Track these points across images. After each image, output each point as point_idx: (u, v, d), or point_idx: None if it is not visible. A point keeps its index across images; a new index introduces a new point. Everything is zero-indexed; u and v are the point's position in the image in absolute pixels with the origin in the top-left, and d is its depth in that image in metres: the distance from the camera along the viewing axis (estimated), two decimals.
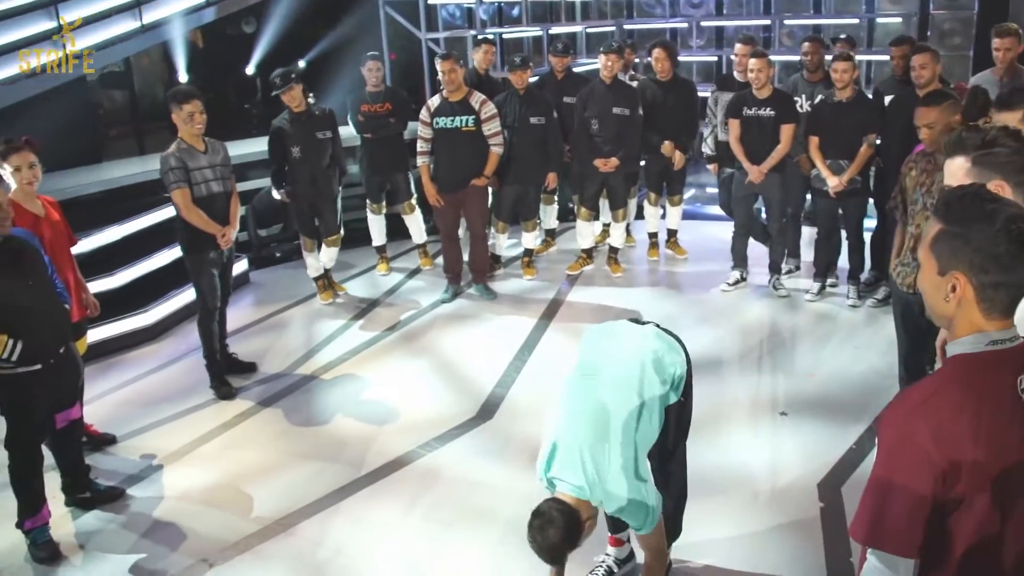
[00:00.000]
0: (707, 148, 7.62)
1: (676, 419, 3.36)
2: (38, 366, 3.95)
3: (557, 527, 2.88)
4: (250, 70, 9.75)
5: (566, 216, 8.82)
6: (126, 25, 8.55)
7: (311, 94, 7.17)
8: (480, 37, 7.10)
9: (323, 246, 7.35)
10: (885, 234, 6.58)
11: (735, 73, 7.29)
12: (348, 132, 8.97)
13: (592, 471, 2.93)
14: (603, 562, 3.79)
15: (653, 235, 8.11)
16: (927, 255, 1.89)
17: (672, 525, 3.52)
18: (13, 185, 4.63)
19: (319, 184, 7.05)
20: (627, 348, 3.31)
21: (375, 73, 7.63)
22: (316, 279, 7.41)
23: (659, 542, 3.22)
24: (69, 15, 7.95)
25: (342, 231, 7.37)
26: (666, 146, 7.53)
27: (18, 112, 7.49)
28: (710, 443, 4.82)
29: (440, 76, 6.86)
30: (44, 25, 7.83)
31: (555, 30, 11.35)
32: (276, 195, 7.23)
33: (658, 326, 3.54)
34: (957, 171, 2.70)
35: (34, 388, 3.99)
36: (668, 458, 3.44)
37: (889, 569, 1.86)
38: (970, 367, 1.85)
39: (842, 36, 8.26)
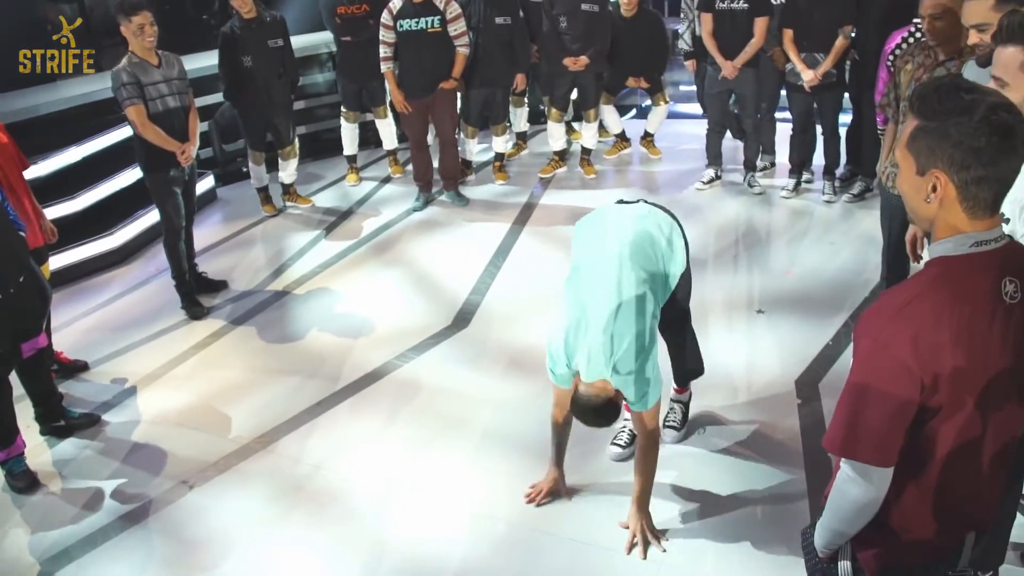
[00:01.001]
0: (683, 43, 7.43)
1: (684, 283, 3.62)
2: None
3: (602, 414, 3.17)
4: None
5: (537, 118, 8.65)
6: None
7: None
8: None
9: (280, 160, 7.20)
10: (861, 128, 6.49)
11: None
12: (313, 39, 8.73)
13: (608, 355, 3.11)
14: (624, 427, 4.01)
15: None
16: (904, 155, 1.80)
17: (696, 364, 4.03)
18: None
19: (272, 94, 6.85)
20: (623, 231, 3.41)
21: None
22: (259, 190, 7.28)
23: (654, 422, 3.32)
24: None
25: (297, 142, 7.22)
26: (630, 82, 7.48)
27: None
28: None
29: None
30: None
31: None
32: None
33: (646, 202, 3.69)
34: (1010, 63, 2.42)
35: None
36: (684, 317, 3.85)
37: (863, 478, 1.84)
38: (951, 270, 1.78)
39: None
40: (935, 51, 3.85)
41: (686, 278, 3.62)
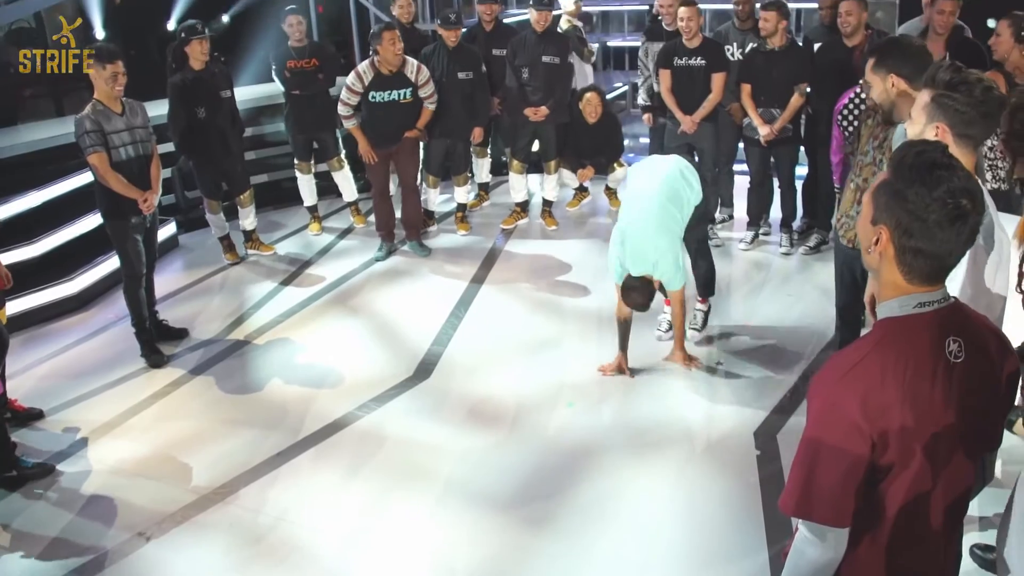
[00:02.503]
0: (641, 98, 7.59)
1: (701, 212, 5.21)
2: None
3: (641, 292, 4.74)
4: (171, 26, 9.38)
5: (499, 170, 8.75)
6: None
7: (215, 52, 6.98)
8: (382, 25, 6.92)
9: (239, 208, 7.24)
10: (816, 182, 6.66)
11: (663, 23, 7.21)
12: (270, 89, 8.80)
13: (651, 260, 4.74)
14: (661, 321, 5.60)
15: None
16: (868, 199, 1.88)
17: (711, 283, 5.58)
18: None
19: (228, 143, 6.92)
20: (662, 169, 5.02)
21: (297, 28, 7.43)
22: (222, 239, 7.29)
23: (681, 295, 4.98)
24: None
25: (251, 189, 7.29)
26: (582, 173, 7.63)
27: None
28: (648, 394, 4.90)
29: (384, 46, 6.58)
30: None
31: None
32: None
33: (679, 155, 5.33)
34: (918, 104, 2.67)
35: None
36: (703, 241, 5.54)
37: (819, 539, 1.87)
38: (896, 331, 1.84)
39: None
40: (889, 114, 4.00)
41: (701, 208, 5.14)
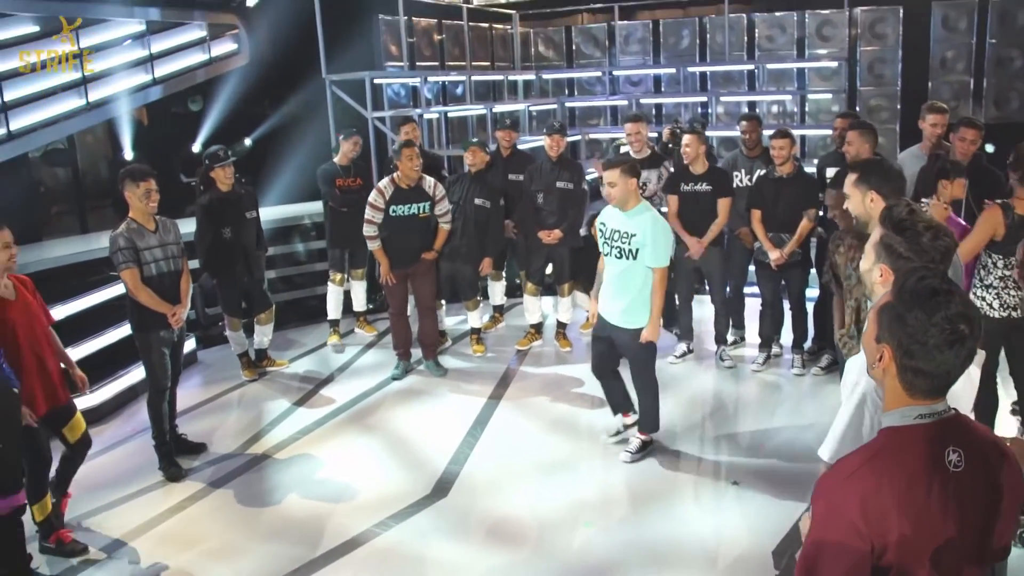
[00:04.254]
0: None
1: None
2: None
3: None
4: (196, 148, 9.76)
5: (514, 292, 8.91)
6: (71, 103, 8.53)
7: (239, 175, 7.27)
8: (402, 116, 7.23)
9: (257, 325, 7.40)
10: (827, 304, 6.78)
11: (631, 151, 7.39)
12: (296, 210, 9.08)
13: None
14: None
15: None
16: (873, 317, 2.01)
17: (654, 418, 5.66)
18: None
19: (251, 263, 7.15)
20: None
21: (357, 148, 7.84)
22: (241, 356, 7.42)
23: (662, 276, 5.31)
24: (12, 94, 7.93)
25: (273, 307, 7.47)
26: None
27: None
28: (664, 514, 4.89)
29: (403, 161, 6.85)
30: None
31: (499, 108, 11.60)
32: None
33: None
34: (872, 239, 2.75)
35: None
36: (654, 347, 5.58)
37: None
38: (897, 440, 1.94)
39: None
40: (859, 234, 4.16)
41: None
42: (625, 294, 5.37)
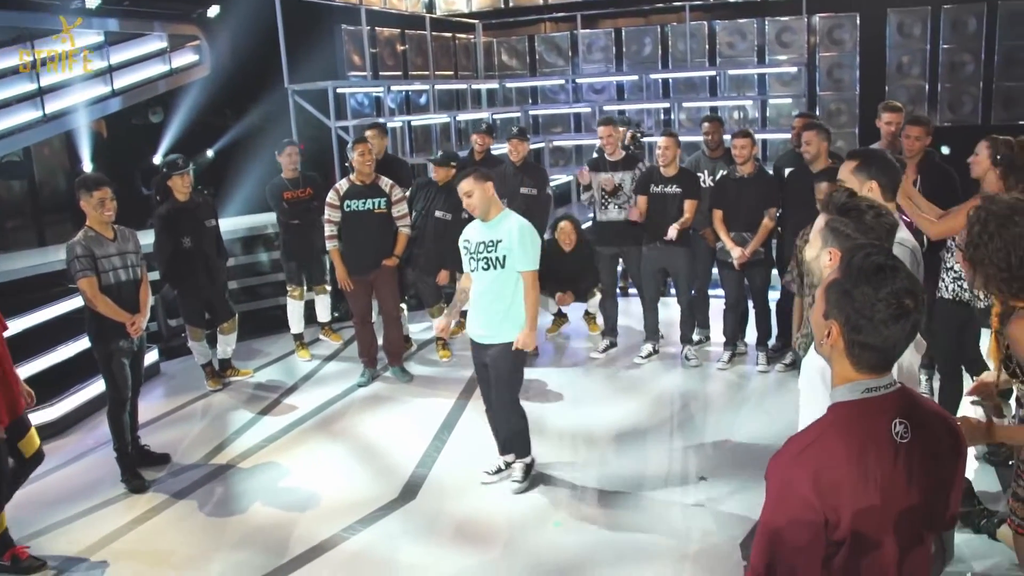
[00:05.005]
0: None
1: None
2: None
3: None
4: (157, 160, 9.66)
5: None
6: (27, 115, 8.43)
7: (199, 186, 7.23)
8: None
9: (220, 335, 7.33)
10: (789, 301, 6.84)
11: (605, 154, 7.46)
12: (258, 220, 9.01)
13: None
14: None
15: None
16: (821, 294, 2.04)
17: (525, 442, 5.34)
18: None
19: (212, 272, 7.08)
20: None
21: (294, 158, 7.71)
22: (204, 366, 7.34)
23: (532, 280, 5.06)
24: None
25: (236, 316, 7.39)
26: (558, 297, 7.87)
27: None
28: (633, 511, 4.90)
29: (356, 158, 6.89)
30: None
31: (462, 116, 11.61)
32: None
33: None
34: (816, 227, 2.84)
35: None
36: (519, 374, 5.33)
37: None
38: (846, 414, 1.97)
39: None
40: None
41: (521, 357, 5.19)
42: (498, 306, 5.05)
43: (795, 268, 4.51)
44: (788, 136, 8.65)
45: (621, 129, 7.65)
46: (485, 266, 5.04)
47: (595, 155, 8.50)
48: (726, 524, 4.67)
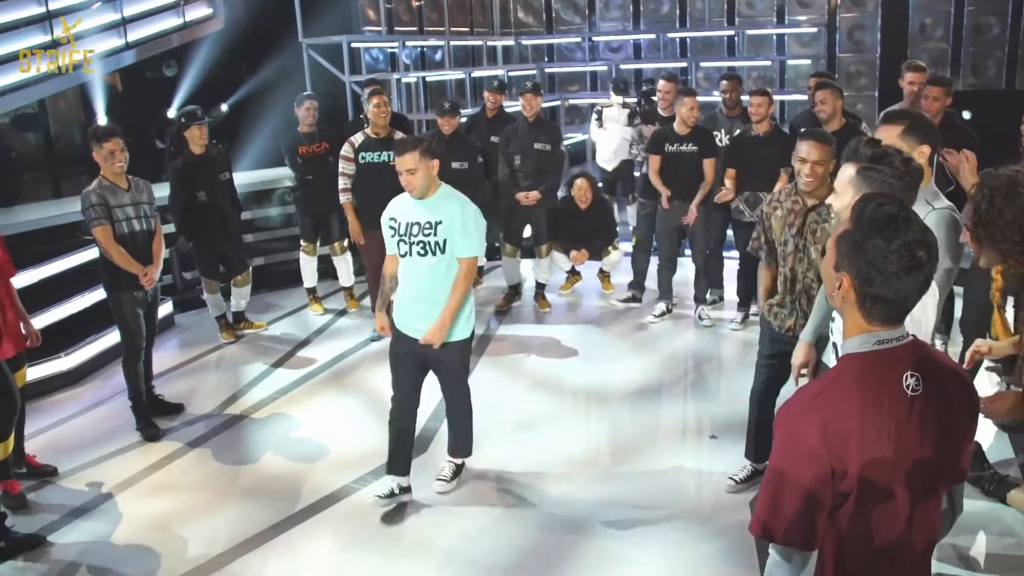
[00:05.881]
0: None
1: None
2: None
3: None
4: (172, 113, 9.64)
5: (493, 255, 8.88)
6: (42, 67, 8.38)
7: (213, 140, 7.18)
8: (370, 91, 7.11)
9: (234, 287, 7.35)
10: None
11: (660, 109, 7.47)
12: (270, 174, 8.99)
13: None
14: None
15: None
16: (831, 246, 2.01)
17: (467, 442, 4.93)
18: None
19: (227, 225, 7.07)
20: None
21: (312, 112, 7.63)
22: (218, 318, 7.37)
23: (468, 268, 4.47)
24: None
25: (250, 269, 7.42)
26: (573, 255, 7.82)
27: None
28: (644, 468, 4.92)
29: (371, 110, 6.82)
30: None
31: (477, 73, 11.52)
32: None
33: None
34: (843, 178, 2.82)
35: None
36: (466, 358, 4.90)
37: (784, 560, 1.97)
38: (859, 365, 1.95)
39: None
40: (802, 197, 4.14)
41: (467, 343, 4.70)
42: (437, 297, 4.47)
43: (761, 235, 4.40)
44: (805, 98, 8.56)
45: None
46: (421, 251, 4.43)
47: (600, 115, 8.52)
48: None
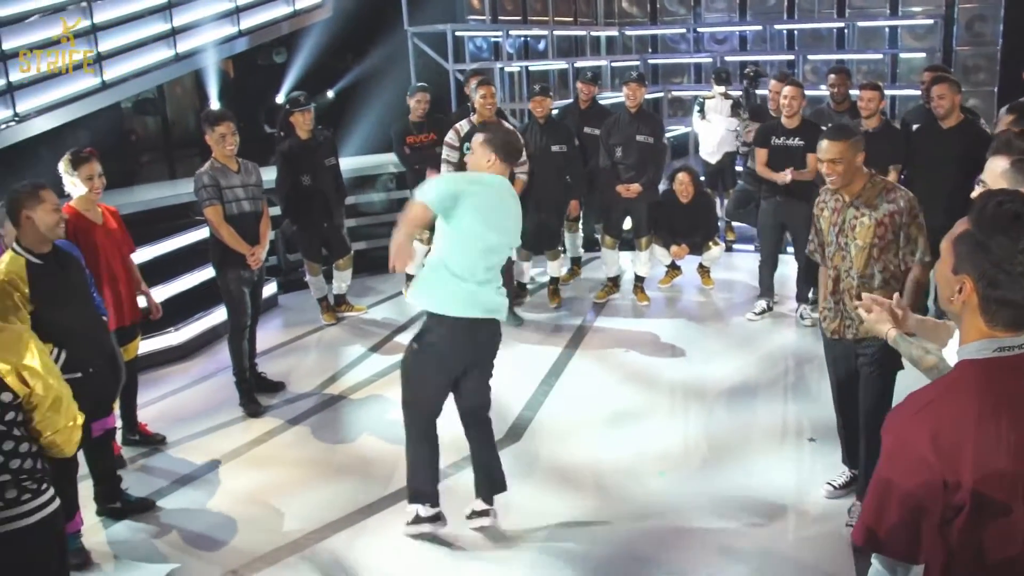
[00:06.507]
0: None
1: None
2: (78, 374, 4.00)
3: None
4: (280, 99, 9.91)
5: (592, 246, 8.85)
6: (161, 54, 8.71)
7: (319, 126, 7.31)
8: (478, 80, 7.13)
9: (336, 270, 7.51)
10: None
11: (771, 110, 7.34)
12: (375, 160, 9.14)
13: None
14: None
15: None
16: (948, 248, 1.88)
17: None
18: (79, 193, 4.82)
19: (331, 210, 7.21)
20: None
21: (423, 104, 7.69)
22: (320, 300, 7.53)
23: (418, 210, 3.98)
24: (105, 45, 8.13)
25: (352, 252, 7.56)
26: (673, 250, 7.78)
27: (54, 137, 7.62)
28: (738, 468, 4.84)
29: (478, 100, 6.84)
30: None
31: (580, 63, 11.48)
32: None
33: None
34: (995, 170, 2.75)
35: (73, 396, 4.02)
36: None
37: (888, 572, 1.86)
38: (977, 373, 1.83)
39: None
40: (841, 194, 4.02)
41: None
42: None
43: (815, 238, 4.27)
44: (918, 92, 8.28)
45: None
46: None
47: (702, 107, 8.42)
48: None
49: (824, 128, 6.87)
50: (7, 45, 7.39)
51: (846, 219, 3.98)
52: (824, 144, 3.94)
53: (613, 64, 11.66)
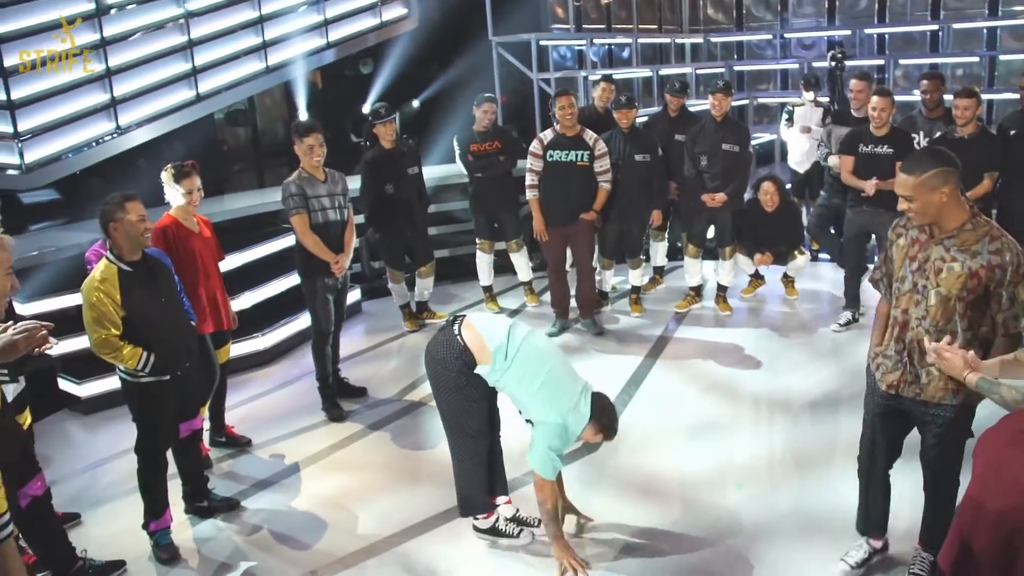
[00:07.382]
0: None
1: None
2: (167, 377, 4.16)
3: None
4: (366, 109, 10.11)
5: (675, 255, 8.77)
6: (252, 66, 8.98)
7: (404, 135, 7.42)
8: (601, 75, 7.14)
9: (418, 278, 7.60)
10: None
11: (852, 109, 7.19)
12: (455, 169, 9.22)
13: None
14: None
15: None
16: None
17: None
18: (179, 203, 5.07)
19: (413, 218, 7.30)
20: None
21: (489, 115, 7.73)
22: (402, 307, 7.63)
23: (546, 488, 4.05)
24: (201, 59, 8.44)
25: (433, 260, 7.64)
26: (757, 259, 7.65)
27: (150, 148, 7.92)
28: (820, 483, 4.73)
29: (557, 111, 6.88)
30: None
31: (665, 71, 11.41)
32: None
33: None
34: None
35: (162, 397, 4.20)
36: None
37: None
38: None
39: None
40: (931, 227, 3.36)
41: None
42: None
43: (882, 266, 3.62)
44: (1018, 97, 7.99)
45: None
46: None
47: (791, 115, 8.28)
48: (913, 504, 4.40)
49: (914, 136, 6.78)
50: (112, 62, 7.72)
51: (930, 258, 3.31)
52: (899, 173, 3.40)
53: (698, 71, 11.56)
